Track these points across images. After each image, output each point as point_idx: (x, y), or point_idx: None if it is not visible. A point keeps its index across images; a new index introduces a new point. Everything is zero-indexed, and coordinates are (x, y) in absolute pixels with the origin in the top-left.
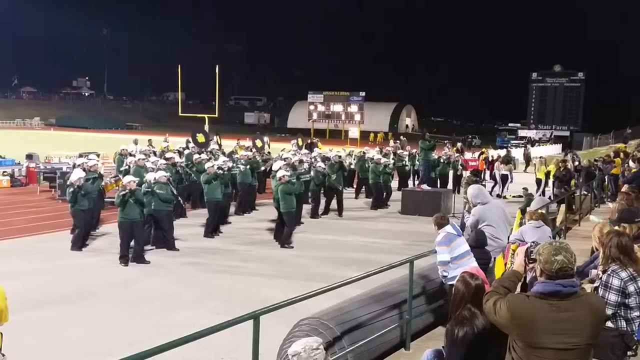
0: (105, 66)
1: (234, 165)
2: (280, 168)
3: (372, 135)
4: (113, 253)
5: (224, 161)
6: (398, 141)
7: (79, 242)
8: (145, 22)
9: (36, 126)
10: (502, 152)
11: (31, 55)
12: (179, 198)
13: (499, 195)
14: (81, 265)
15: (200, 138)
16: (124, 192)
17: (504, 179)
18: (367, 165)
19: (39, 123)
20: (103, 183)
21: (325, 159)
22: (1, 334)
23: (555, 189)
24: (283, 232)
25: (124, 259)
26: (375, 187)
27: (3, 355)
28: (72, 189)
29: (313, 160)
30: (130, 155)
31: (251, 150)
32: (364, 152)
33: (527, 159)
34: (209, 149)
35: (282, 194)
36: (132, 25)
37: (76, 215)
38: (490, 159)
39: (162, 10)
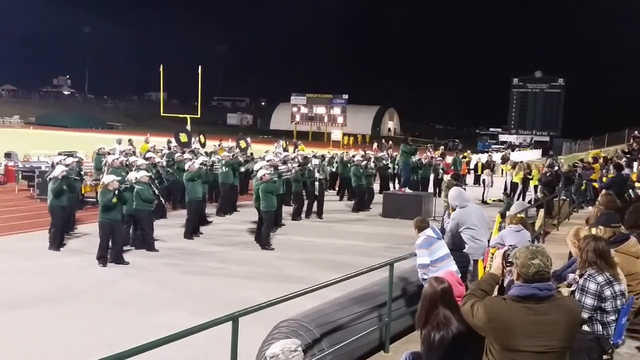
0: (87, 65)
1: (215, 163)
2: (261, 168)
3: (346, 138)
4: (91, 253)
5: (204, 160)
6: (387, 143)
7: (56, 241)
8: (128, 21)
9: (15, 124)
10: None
11: (11, 53)
12: (161, 198)
13: (485, 202)
14: (59, 265)
15: (183, 137)
16: (112, 195)
17: (485, 183)
18: (348, 167)
19: (18, 121)
20: (84, 184)
21: (304, 159)
22: None
23: (539, 194)
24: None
25: (103, 259)
26: (358, 190)
27: None
28: (57, 182)
29: (294, 160)
30: (109, 154)
31: (232, 151)
32: (347, 153)
33: (504, 162)
34: (190, 149)
35: (263, 193)
36: (113, 24)
37: (54, 211)
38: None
39: (145, 9)
